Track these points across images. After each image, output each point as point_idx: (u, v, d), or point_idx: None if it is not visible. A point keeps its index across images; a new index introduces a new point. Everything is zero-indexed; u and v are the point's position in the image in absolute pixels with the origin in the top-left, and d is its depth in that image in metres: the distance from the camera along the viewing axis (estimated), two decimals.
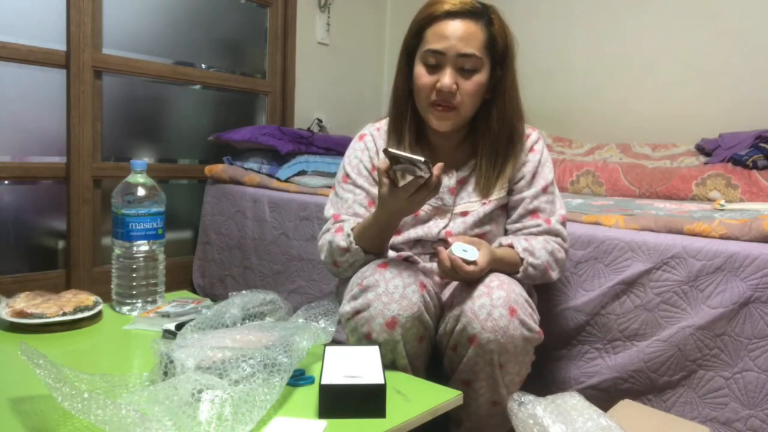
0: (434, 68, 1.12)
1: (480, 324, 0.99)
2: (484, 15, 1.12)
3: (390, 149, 0.97)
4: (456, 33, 1.09)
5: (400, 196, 1.02)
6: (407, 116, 1.21)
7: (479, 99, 1.16)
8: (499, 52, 1.14)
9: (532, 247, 1.14)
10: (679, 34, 2.41)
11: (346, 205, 1.23)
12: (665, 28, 2.44)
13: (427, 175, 0.98)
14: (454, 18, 1.10)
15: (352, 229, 1.14)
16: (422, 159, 0.95)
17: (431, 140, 1.24)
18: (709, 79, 2.34)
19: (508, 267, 1.11)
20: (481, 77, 1.13)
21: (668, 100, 2.44)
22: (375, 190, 1.23)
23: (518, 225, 1.20)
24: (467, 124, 1.20)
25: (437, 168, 0.99)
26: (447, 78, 1.10)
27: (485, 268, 1.04)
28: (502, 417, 1.07)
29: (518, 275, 1.12)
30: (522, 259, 1.12)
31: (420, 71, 1.14)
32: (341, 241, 1.14)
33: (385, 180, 1.02)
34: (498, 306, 1.00)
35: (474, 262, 1.02)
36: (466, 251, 1.01)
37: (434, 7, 1.12)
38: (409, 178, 1.00)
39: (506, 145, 1.19)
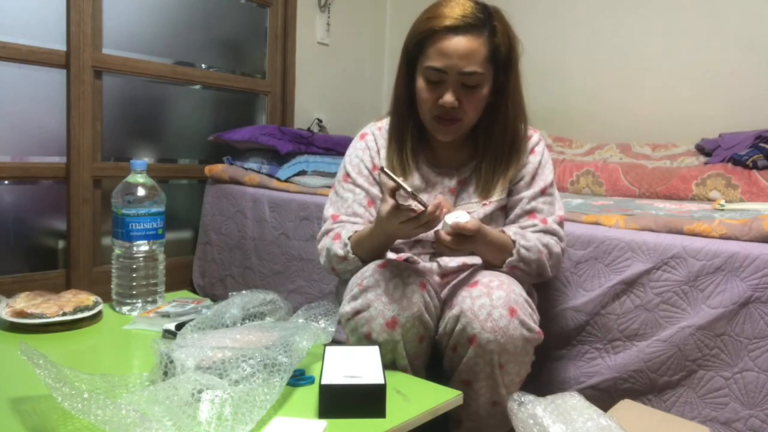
0: (436, 84, 1.11)
1: (480, 324, 0.99)
2: (486, 25, 1.09)
3: (386, 169, 0.97)
4: (457, 51, 1.07)
5: (393, 219, 1.01)
6: (408, 119, 1.21)
7: (482, 109, 1.15)
8: (502, 59, 1.12)
9: (524, 233, 1.15)
10: (678, 34, 2.41)
11: (346, 204, 1.23)
12: (665, 28, 2.44)
13: (420, 209, 0.99)
14: (455, 33, 1.07)
15: (349, 238, 1.14)
16: (408, 189, 0.96)
17: (432, 142, 1.24)
18: (709, 79, 2.34)
19: (500, 249, 1.12)
20: (483, 90, 1.12)
21: (668, 100, 2.44)
22: (374, 190, 1.24)
23: (515, 225, 1.20)
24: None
25: (432, 205, 0.98)
26: (449, 96, 1.09)
27: (480, 226, 1.04)
28: (502, 417, 1.07)
29: (513, 258, 1.12)
30: (514, 242, 1.12)
31: (422, 85, 1.13)
32: (339, 249, 1.15)
33: (390, 200, 1.01)
34: (498, 306, 1.00)
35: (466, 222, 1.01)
36: (458, 217, 1.01)
37: (435, 21, 1.09)
38: (410, 202, 1.01)
39: (509, 148, 1.19)
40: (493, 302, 1.00)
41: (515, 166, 1.20)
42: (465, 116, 1.13)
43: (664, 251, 1.24)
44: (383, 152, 1.25)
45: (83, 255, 2.16)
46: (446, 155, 1.24)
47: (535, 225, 1.18)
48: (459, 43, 1.07)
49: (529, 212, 1.19)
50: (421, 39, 1.11)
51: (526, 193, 1.20)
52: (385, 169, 0.98)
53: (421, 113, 1.17)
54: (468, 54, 1.07)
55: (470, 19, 1.07)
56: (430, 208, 0.98)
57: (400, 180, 0.98)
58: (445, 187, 1.22)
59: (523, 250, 1.12)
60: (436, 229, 1.04)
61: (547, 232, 1.18)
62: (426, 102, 1.13)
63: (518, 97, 1.17)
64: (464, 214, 1.02)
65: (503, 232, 1.15)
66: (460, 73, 1.08)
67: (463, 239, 1.02)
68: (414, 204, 1.00)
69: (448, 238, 1.01)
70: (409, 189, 0.97)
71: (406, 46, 1.17)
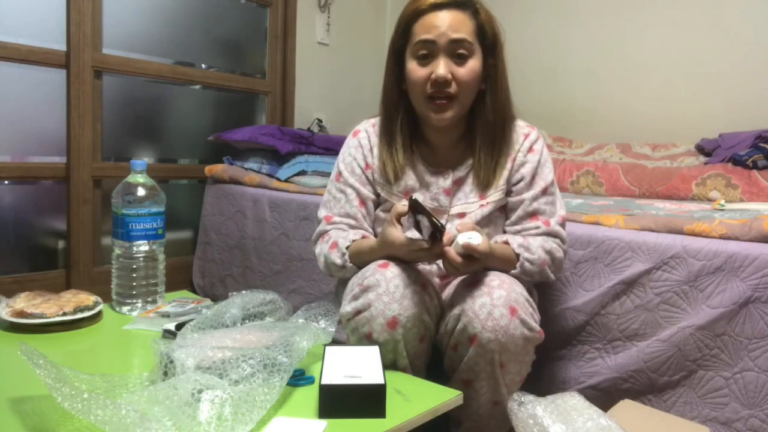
0: (426, 60, 1.12)
1: (481, 323, 0.99)
2: (469, 5, 1.13)
3: (417, 200, 0.99)
4: (445, 21, 1.10)
5: (401, 245, 1.03)
6: (398, 117, 1.21)
7: (475, 87, 1.15)
8: (488, 40, 1.15)
9: (528, 243, 1.14)
10: (679, 34, 2.41)
11: (339, 205, 1.23)
12: (665, 28, 2.44)
13: (434, 241, 1.00)
14: (441, 9, 1.11)
15: (347, 248, 1.14)
16: (440, 224, 0.97)
17: (428, 139, 1.24)
18: (709, 79, 2.34)
19: (504, 263, 1.11)
20: (474, 63, 1.13)
21: (668, 100, 2.44)
22: (365, 190, 1.24)
23: (517, 227, 1.20)
24: (464, 120, 1.20)
25: (447, 238, 1.00)
26: (441, 67, 1.10)
27: (490, 249, 1.04)
28: (503, 417, 1.07)
29: (516, 271, 1.12)
30: (518, 255, 1.12)
31: (412, 66, 1.14)
32: (336, 259, 1.15)
33: (398, 225, 1.04)
34: (499, 305, 1.00)
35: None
36: (470, 238, 1.01)
37: (419, 3, 1.13)
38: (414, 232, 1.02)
39: (500, 136, 1.19)
40: (494, 301, 1.00)
41: (507, 154, 1.20)
42: (459, 94, 1.13)
43: (664, 251, 1.24)
44: (376, 150, 1.25)
45: (83, 255, 2.16)
46: (442, 154, 1.24)
47: (538, 227, 1.18)
48: (445, 15, 1.11)
49: (532, 214, 1.19)
50: (407, 23, 1.14)
51: (528, 194, 1.19)
52: (417, 200, 1.00)
53: (414, 99, 1.17)
54: (455, 23, 1.11)
55: None
56: (444, 241, 1.00)
57: (430, 212, 0.99)
58: (440, 187, 1.22)
59: (527, 264, 1.12)
60: (446, 250, 1.04)
61: (550, 234, 1.18)
62: (418, 82, 1.13)
63: (506, 84, 1.19)
64: (476, 234, 1.02)
65: (507, 242, 1.14)
66: (450, 41, 1.10)
67: (473, 261, 1.02)
68: (425, 228, 1.01)
69: (458, 259, 1.01)
70: (440, 223, 0.98)
71: (393, 40, 1.19)
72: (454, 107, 1.14)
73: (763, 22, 2.21)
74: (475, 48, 1.13)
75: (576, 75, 2.70)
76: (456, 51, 1.11)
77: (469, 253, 1.00)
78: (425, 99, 1.14)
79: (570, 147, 2.56)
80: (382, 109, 1.23)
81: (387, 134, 1.22)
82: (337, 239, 1.17)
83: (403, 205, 1.04)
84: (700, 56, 2.36)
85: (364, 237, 1.18)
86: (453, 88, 1.12)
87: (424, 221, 1.00)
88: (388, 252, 1.07)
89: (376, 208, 1.26)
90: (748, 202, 1.79)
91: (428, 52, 1.12)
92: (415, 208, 1.00)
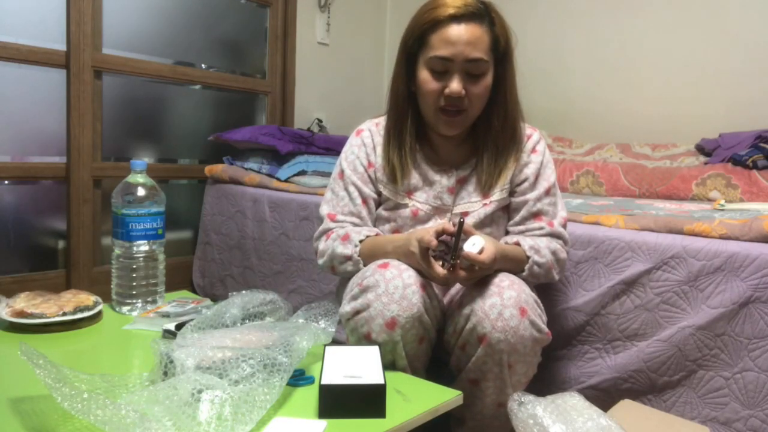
0: (441, 74, 1.11)
1: (491, 323, 0.99)
2: (486, 16, 1.11)
3: (464, 222, 1.00)
4: (462, 38, 1.08)
5: (421, 260, 1.03)
6: (407, 118, 1.21)
7: (486, 99, 1.16)
8: (501, 51, 1.14)
9: (538, 246, 1.14)
10: (678, 34, 2.41)
11: (342, 203, 1.23)
12: (665, 28, 2.44)
13: (447, 265, 1.02)
14: (459, 22, 1.09)
15: (360, 241, 1.14)
16: (455, 261, 1.00)
17: (432, 139, 1.24)
18: (709, 79, 2.34)
19: (513, 264, 1.11)
20: (488, 80, 1.13)
21: (668, 100, 2.44)
22: (367, 189, 1.24)
23: (521, 227, 1.20)
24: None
25: (457, 269, 1.01)
26: (455, 84, 1.10)
27: (496, 255, 1.03)
28: (506, 419, 1.06)
29: (524, 274, 1.12)
30: (528, 257, 1.12)
31: (426, 77, 1.13)
32: (346, 250, 1.15)
33: (434, 241, 1.02)
34: (509, 306, 1.00)
35: (482, 250, 1.01)
36: (474, 244, 1.01)
37: (437, 11, 1.10)
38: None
39: (509, 142, 1.19)
40: (504, 302, 1.00)
41: (515, 160, 1.20)
42: (470, 107, 1.13)
43: (664, 251, 1.24)
44: (379, 149, 1.25)
45: (83, 255, 2.16)
46: (446, 152, 1.24)
47: (542, 228, 1.18)
48: (464, 30, 1.08)
49: (536, 214, 1.19)
50: (423, 31, 1.12)
51: (531, 195, 1.20)
52: (465, 224, 1.00)
53: (425, 107, 1.17)
54: (473, 41, 1.09)
55: (472, 8, 1.09)
56: (459, 273, 1.01)
57: (459, 240, 0.99)
58: (444, 186, 1.22)
59: (535, 267, 1.13)
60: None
61: (553, 235, 1.18)
62: (431, 94, 1.13)
63: (514, 91, 1.18)
64: (479, 240, 1.02)
65: (518, 243, 1.14)
66: (467, 60, 1.09)
67: (477, 270, 1.02)
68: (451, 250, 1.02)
69: (462, 274, 1.02)
70: (455, 261, 0.99)
71: (405, 41, 1.17)
72: (463, 121, 1.15)
73: (763, 23, 2.21)
74: (489, 65, 1.12)
75: (576, 75, 2.70)
76: (471, 69, 1.10)
77: (471, 263, 1.01)
78: (436, 110, 1.14)
79: (570, 147, 2.56)
80: (392, 111, 1.22)
81: (397, 137, 1.22)
82: (350, 232, 1.17)
83: (451, 222, 1.04)
84: (700, 56, 2.36)
85: (377, 235, 1.18)
86: (465, 103, 1.12)
87: (452, 244, 1.01)
88: (406, 250, 1.06)
89: (377, 207, 1.26)
90: (748, 202, 1.79)
91: (444, 68, 1.11)
92: (459, 230, 1.01)
